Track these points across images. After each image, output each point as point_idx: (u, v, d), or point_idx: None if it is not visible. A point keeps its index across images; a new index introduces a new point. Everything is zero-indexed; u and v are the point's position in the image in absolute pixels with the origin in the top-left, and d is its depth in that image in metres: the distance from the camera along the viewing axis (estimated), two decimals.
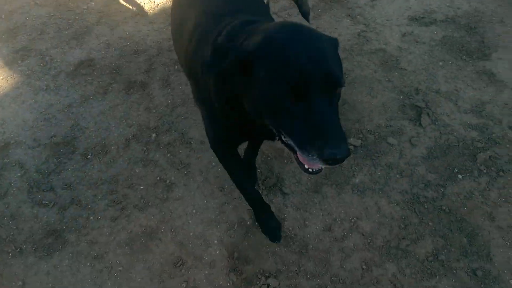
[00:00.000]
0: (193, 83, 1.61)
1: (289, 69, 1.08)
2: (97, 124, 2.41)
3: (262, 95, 1.14)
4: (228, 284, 1.85)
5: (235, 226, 2.03)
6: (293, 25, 1.20)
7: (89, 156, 2.26)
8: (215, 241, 1.98)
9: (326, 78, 1.08)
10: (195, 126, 2.39)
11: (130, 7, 3.15)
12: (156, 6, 3.17)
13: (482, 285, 1.84)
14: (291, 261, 1.92)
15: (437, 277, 1.87)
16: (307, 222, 2.03)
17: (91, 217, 2.06)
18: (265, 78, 1.11)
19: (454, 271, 1.88)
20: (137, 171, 2.23)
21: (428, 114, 2.40)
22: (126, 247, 1.96)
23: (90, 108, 2.50)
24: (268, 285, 1.84)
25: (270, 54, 1.12)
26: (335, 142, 1.03)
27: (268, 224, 1.96)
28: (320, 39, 1.16)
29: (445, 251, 1.93)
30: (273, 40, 1.14)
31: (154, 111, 2.48)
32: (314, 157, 1.06)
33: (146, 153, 2.29)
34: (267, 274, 1.88)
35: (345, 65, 2.59)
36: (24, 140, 2.33)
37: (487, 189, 2.11)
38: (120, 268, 1.90)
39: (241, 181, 1.81)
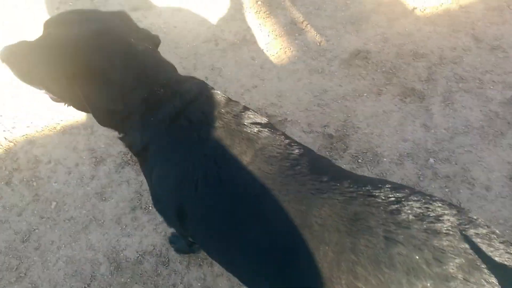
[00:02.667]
0: None
1: None
2: (369, 127, 2.28)
3: None
4: None
5: None
6: None
7: (359, 161, 2.15)
8: None
9: None
10: (480, 165, 2.08)
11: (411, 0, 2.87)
12: (440, 6, 2.82)
13: None
14: None
15: None
16: None
17: None
18: None
19: None
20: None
21: None
22: None
23: (363, 106, 2.37)
24: None
25: None
26: None
27: None
28: None
29: None
30: None
31: (432, 131, 2.24)
32: None
33: (419, 178, 2.08)
34: None
35: None
36: (299, 121, 2.32)
37: None
38: None
39: None
